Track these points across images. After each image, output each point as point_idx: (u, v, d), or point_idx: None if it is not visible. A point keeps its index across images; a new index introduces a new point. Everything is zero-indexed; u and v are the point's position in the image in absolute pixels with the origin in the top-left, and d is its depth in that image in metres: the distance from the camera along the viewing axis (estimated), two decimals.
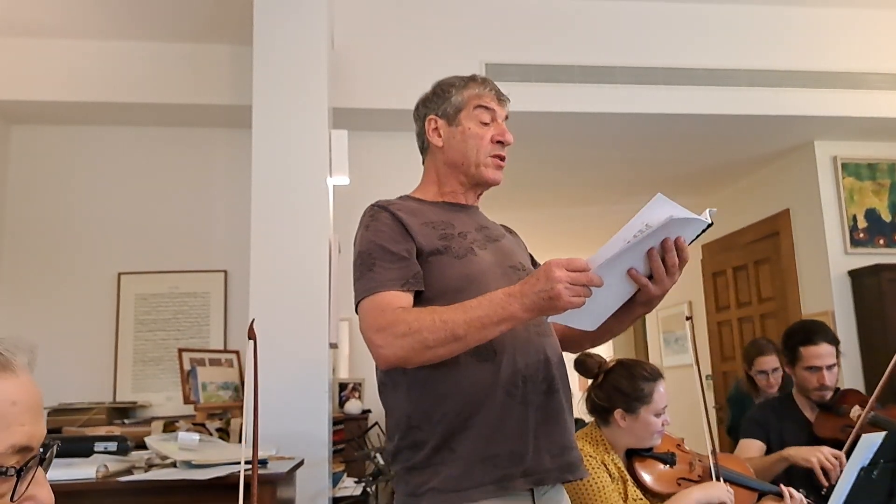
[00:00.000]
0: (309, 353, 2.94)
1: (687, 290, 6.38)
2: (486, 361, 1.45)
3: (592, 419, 2.18)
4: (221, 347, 4.01)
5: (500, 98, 1.66)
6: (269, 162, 3.08)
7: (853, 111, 4.25)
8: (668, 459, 2.13)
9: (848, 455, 2.35)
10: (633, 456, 2.11)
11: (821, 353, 2.62)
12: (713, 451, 2.03)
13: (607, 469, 2.01)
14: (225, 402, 3.41)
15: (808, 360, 2.63)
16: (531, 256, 1.75)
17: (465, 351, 1.39)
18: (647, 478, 2.06)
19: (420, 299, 1.48)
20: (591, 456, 2.00)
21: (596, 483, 1.95)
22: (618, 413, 2.07)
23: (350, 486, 3.25)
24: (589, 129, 4.32)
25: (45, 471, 0.79)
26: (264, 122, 3.12)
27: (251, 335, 1.66)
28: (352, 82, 3.88)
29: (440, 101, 1.65)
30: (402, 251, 1.48)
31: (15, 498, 0.73)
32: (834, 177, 4.64)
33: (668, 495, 2.07)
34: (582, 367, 2.13)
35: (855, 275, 4.48)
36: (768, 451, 2.73)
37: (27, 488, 0.75)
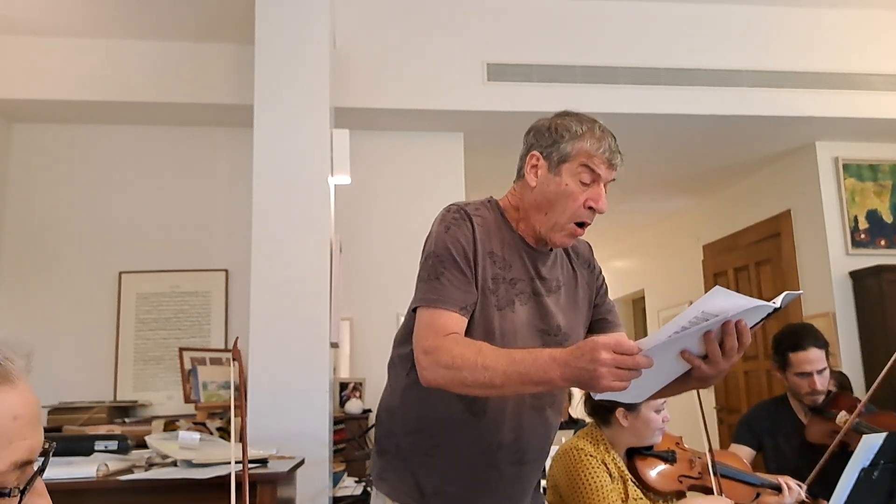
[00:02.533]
0: (309, 352, 2.94)
1: (687, 290, 6.38)
2: (473, 415, 1.51)
3: (592, 420, 2.18)
4: (222, 347, 4.01)
5: (612, 163, 1.53)
6: (271, 161, 3.08)
7: (855, 112, 4.24)
8: (669, 457, 2.13)
9: (827, 463, 2.35)
10: (634, 455, 2.11)
11: (810, 358, 2.61)
12: (710, 448, 2.04)
13: (607, 468, 2.01)
14: (226, 402, 3.41)
15: (799, 366, 2.62)
16: (599, 289, 1.74)
17: (460, 399, 1.48)
18: (648, 476, 2.07)
19: None
20: (591, 455, 2.01)
21: (595, 482, 1.95)
22: (619, 412, 2.08)
23: (350, 486, 3.25)
24: None
25: (42, 475, 0.77)
26: (266, 121, 3.12)
27: (235, 355, 1.68)
28: (353, 82, 3.88)
29: (550, 140, 1.55)
30: (470, 274, 1.48)
31: None
32: (835, 178, 4.64)
33: (670, 493, 2.08)
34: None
35: (856, 276, 4.48)
36: (763, 455, 2.74)
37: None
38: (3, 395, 0.71)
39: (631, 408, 2.07)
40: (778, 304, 1.28)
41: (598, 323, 1.71)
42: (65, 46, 3.97)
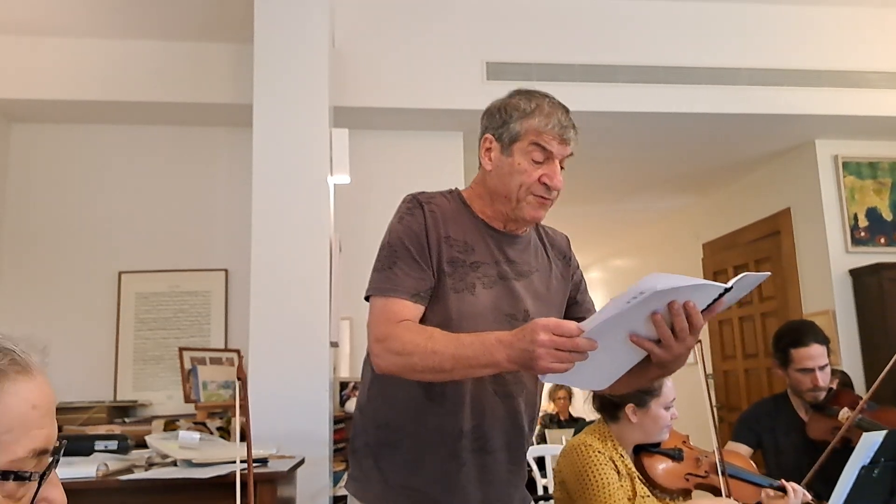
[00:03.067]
0: (309, 351, 2.94)
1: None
2: (432, 401, 1.50)
3: (599, 416, 2.18)
4: (222, 346, 4.01)
5: (564, 137, 1.51)
6: (270, 160, 3.08)
7: (854, 110, 4.24)
8: (676, 455, 2.14)
9: (829, 459, 2.35)
10: (641, 452, 2.12)
11: (812, 354, 2.61)
12: (718, 448, 2.04)
13: (615, 466, 2.02)
14: (226, 401, 3.40)
15: (800, 363, 2.62)
16: (578, 284, 1.71)
17: (420, 384, 1.47)
18: (655, 473, 2.07)
19: None
20: (599, 452, 2.01)
21: (602, 479, 1.95)
22: (629, 408, 2.08)
23: None
24: (589, 128, 4.29)
25: (56, 466, 0.80)
26: (265, 120, 3.12)
27: (240, 375, 1.70)
28: (353, 81, 3.88)
29: (500, 121, 1.55)
30: (423, 260, 1.50)
31: (34, 502, 0.74)
32: (835, 175, 4.64)
33: (677, 491, 2.08)
34: None
35: (856, 274, 4.48)
36: (762, 453, 2.74)
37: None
38: (23, 385, 0.75)
39: (641, 404, 2.08)
40: (729, 285, 1.25)
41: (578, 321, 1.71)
42: (64, 46, 3.97)
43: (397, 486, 1.52)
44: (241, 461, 1.66)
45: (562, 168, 1.53)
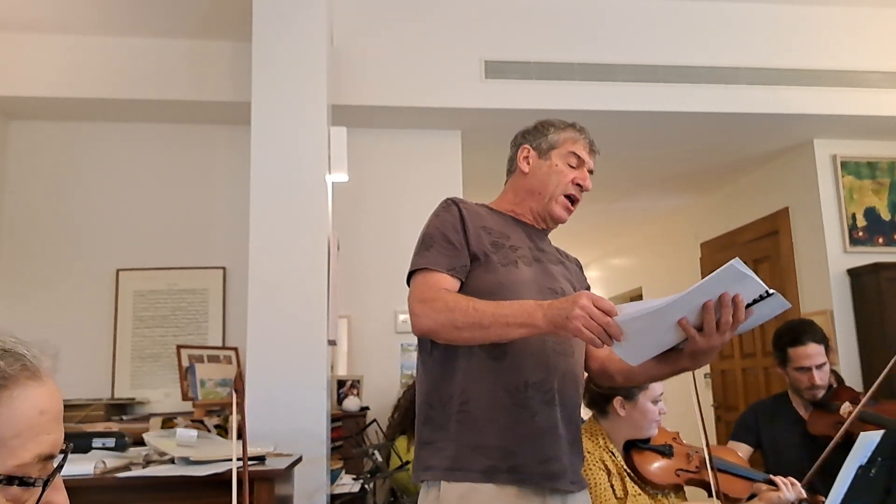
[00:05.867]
0: (307, 349, 2.94)
1: (685, 288, 6.37)
2: (495, 360, 1.57)
3: (591, 414, 2.19)
4: (220, 344, 4.01)
5: (592, 149, 1.81)
6: (269, 159, 3.08)
7: (853, 110, 4.24)
8: (666, 451, 2.15)
9: (836, 452, 2.35)
10: (632, 449, 2.13)
11: (809, 353, 2.63)
12: (707, 443, 2.04)
13: (605, 466, 2.02)
14: (223, 399, 3.41)
15: (798, 361, 2.65)
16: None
17: (482, 346, 1.54)
18: (646, 469, 2.08)
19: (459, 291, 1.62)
20: (589, 452, 2.02)
21: (590, 481, 1.96)
22: (617, 401, 2.09)
23: (348, 483, 3.26)
24: (588, 127, 4.28)
25: (60, 472, 0.79)
26: (263, 118, 3.12)
27: (238, 386, 1.74)
28: (351, 79, 3.87)
29: (538, 135, 1.79)
30: (457, 242, 1.62)
31: None
32: (833, 175, 4.64)
33: (668, 486, 2.09)
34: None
35: (854, 273, 4.48)
36: (762, 452, 2.74)
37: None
38: (32, 390, 0.76)
39: (628, 397, 2.09)
40: (772, 291, 1.36)
41: None
42: (62, 43, 3.96)
43: (468, 447, 1.54)
44: (239, 459, 1.66)
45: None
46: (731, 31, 4.20)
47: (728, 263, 1.30)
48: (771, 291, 1.36)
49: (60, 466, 0.77)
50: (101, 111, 4.12)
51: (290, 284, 2.98)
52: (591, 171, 1.79)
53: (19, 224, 4.10)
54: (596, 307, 1.33)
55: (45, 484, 0.74)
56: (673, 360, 1.52)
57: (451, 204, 1.70)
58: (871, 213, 4.61)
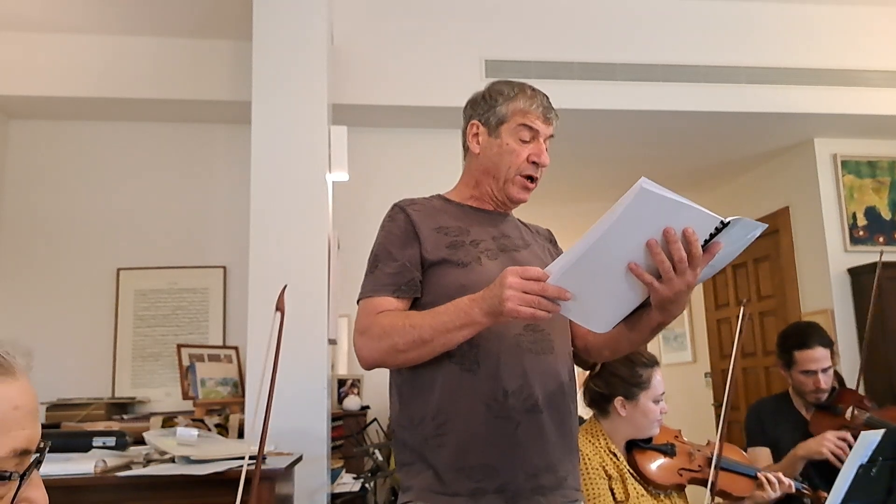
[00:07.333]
0: (308, 349, 2.94)
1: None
2: (468, 371, 1.45)
3: (591, 414, 2.18)
4: (220, 343, 4.01)
5: (547, 117, 1.62)
6: (269, 158, 3.08)
7: (853, 108, 4.24)
8: (668, 450, 2.14)
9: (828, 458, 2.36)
10: (633, 448, 2.11)
11: (815, 356, 2.63)
12: (720, 439, 2.01)
13: (606, 471, 2.01)
14: (224, 398, 3.41)
15: (804, 365, 2.64)
16: None
17: (452, 358, 1.44)
18: (648, 469, 2.07)
19: (418, 305, 1.52)
20: (588, 458, 2.00)
21: (591, 489, 1.95)
22: (617, 401, 2.08)
23: (349, 483, 3.25)
24: (588, 126, 4.31)
25: (38, 467, 0.80)
26: (264, 118, 3.11)
27: (280, 306, 1.71)
28: (351, 78, 3.87)
29: (486, 107, 1.63)
30: (404, 257, 1.52)
31: (14, 502, 0.75)
32: (834, 174, 4.64)
33: (670, 486, 2.08)
34: (578, 358, 2.14)
35: (854, 273, 4.48)
36: None
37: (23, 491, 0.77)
38: (5, 386, 0.76)
39: (629, 397, 2.08)
40: (729, 220, 1.19)
41: None
42: (62, 42, 3.96)
43: (452, 472, 1.43)
44: (241, 458, 1.66)
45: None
46: (731, 30, 4.20)
47: (636, 185, 1.13)
48: (727, 220, 1.19)
49: (39, 462, 0.78)
50: (101, 110, 4.12)
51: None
52: (552, 136, 1.63)
53: (19, 223, 4.10)
54: (524, 279, 1.24)
55: (22, 477, 0.75)
56: (645, 318, 1.42)
57: (399, 211, 1.59)
58: (871, 212, 4.61)
